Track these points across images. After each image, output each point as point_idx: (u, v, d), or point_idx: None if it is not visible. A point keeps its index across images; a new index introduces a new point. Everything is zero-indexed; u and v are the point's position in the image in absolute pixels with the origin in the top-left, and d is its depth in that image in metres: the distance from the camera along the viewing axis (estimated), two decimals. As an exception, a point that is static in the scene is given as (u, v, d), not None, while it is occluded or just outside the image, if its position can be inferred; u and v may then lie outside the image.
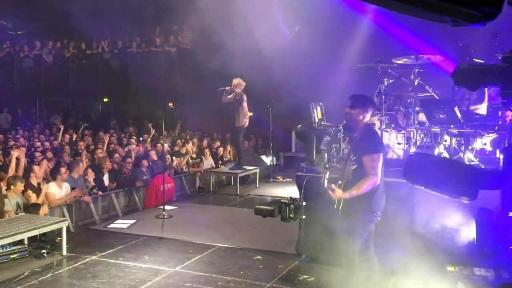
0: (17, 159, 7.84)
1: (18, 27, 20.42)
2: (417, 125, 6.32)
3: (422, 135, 6.41)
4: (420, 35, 9.41)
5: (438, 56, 6.56)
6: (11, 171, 7.62)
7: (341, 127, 8.89)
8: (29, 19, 18.98)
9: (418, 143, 6.33)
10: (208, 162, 12.23)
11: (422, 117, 6.72)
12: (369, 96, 4.61)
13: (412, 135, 6.30)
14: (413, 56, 6.36)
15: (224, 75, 11.88)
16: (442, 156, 5.74)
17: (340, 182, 4.42)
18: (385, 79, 6.66)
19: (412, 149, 6.20)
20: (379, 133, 6.19)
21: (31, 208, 7.06)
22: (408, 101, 6.54)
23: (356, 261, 4.34)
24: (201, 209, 9.61)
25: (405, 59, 6.48)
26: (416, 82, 6.44)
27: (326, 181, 4.55)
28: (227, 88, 10.32)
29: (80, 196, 8.06)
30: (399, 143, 6.36)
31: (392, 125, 6.42)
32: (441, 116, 6.26)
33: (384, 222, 5.20)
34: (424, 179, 3.11)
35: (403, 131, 6.38)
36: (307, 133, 6.68)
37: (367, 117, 4.42)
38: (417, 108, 6.41)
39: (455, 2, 1.56)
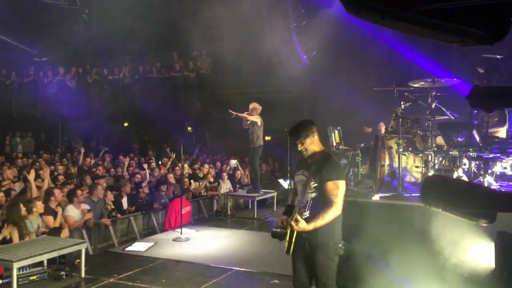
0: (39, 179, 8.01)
1: (43, 53, 21.06)
2: (435, 148, 6.27)
3: (440, 159, 6.36)
4: (437, 58, 9.41)
5: (455, 79, 6.54)
6: (34, 193, 7.79)
7: (359, 151, 8.91)
8: (53, 46, 19.59)
9: (436, 167, 6.28)
10: (226, 185, 12.27)
11: (440, 140, 6.67)
12: (303, 120, 4.15)
13: (430, 158, 6.24)
14: (430, 79, 6.35)
15: (242, 99, 12.03)
16: (461, 179, 5.67)
17: (296, 212, 3.87)
18: (402, 102, 6.65)
19: (431, 172, 6.13)
20: (396, 156, 6.16)
21: (53, 232, 7.17)
22: (426, 124, 6.51)
23: None
24: (218, 232, 9.60)
25: (422, 82, 6.47)
26: (433, 105, 6.41)
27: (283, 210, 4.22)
28: (241, 114, 10.39)
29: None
30: (417, 166, 6.30)
31: (410, 148, 6.38)
32: (459, 139, 6.21)
33: (402, 247, 5.14)
34: (441, 201, 3.09)
35: (420, 154, 6.33)
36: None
37: (316, 137, 4.05)
38: (435, 132, 6.37)
39: (463, 23, 1.59)
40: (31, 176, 8.06)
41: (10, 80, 19.10)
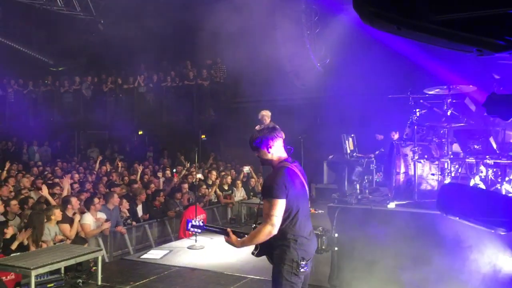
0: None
1: (59, 63, 21.42)
2: (451, 156, 6.22)
3: (456, 166, 6.30)
4: (452, 65, 9.36)
5: (471, 86, 6.50)
6: (52, 202, 7.92)
7: (373, 158, 8.87)
8: (70, 56, 19.91)
9: (452, 174, 6.22)
10: (240, 193, 12.29)
11: (456, 147, 6.62)
12: (258, 130, 3.89)
13: (446, 166, 6.19)
14: (445, 87, 6.31)
15: (255, 107, 12.05)
16: (478, 187, 5.62)
17: (254, 225, 3.81)
18: (417, 110, 6.61)
19: (447, 180, 6.08)
20: (412, 164, 6.13)
21: (78, 241, 7.28)
22: (441, 132, 6.47)
23: None
24: (233, 240, 9.59)
25: (437, 90, 6.44)
26: (449, 113, 6.37)
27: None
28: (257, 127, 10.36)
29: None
30: (433, 174, 6.25)
31: (425, 156, 6.34)
32: (475, 146, 6.15)
33: (418, 255, 5.11)
34: (458, 209, 3.06)
35: (436, 162, 6.29)
36: (338, 164, 6.67)
37: (273, 147, 3.72)
38: (451, 139, 6.32)
39: (479, 33, 1.60)
40: (45, 191, 8.19)
41: (27, 90, 19.42)
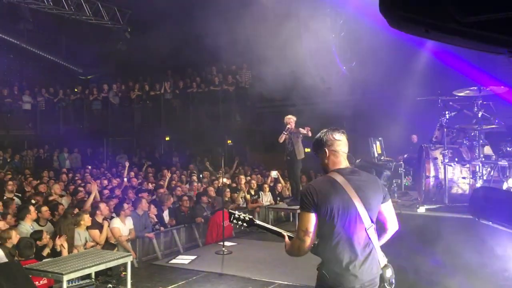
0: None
1: (88, 72, 21.87)
2: (483, 159, 6.08)
3: (488, 169, 6.15)
4: (482, 66, 9.16)
5: (502, 87, 6.35)
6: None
7: (401, 162, 8.75)
8: (98, 64, 20.31)
9: (484, 177, 6.07)
10: (267, 198, 12.28)
11: (488, 150, 6.46)
12: (318, 136, 3.36)
13: (477, 169, 6.05)
14: (475, 88, 6.18)
15: (281, 112, 12.05)
16: (511, 190, 5.47)
17: None
18: (447, 112, 6.50)
19: (479, 184, 5.95)
20: (442, 167, 6.01)
21: (107, 246, 7.41)
22: (472, 134, 6.33)
23: None
24: (260, 245, 9.59)
25: (467, 91, 6.31)
26: (479, 114, 6.24)
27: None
28: (285, 133, 10.30)
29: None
30: (464, 177, 6.12)
31: (456, 159, 6.21)
32: (508, 148, 6.00)
33: (450, 261, 5.00)
34: (491, 214, 2.99)
35: (467, 165, 6.15)
36: (366, 168, 6.58)
37: (330, 159, 3.24)
38: (482, 141, 6.18)
39: (510, 33, 1.56)
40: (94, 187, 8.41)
41: (58, 98, 19.89)
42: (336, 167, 3.20)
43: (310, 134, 9.44)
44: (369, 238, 3.08)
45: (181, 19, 15.39)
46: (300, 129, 10.00)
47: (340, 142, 3.24)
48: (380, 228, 3.25)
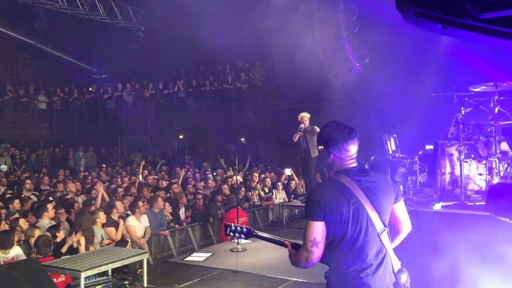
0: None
1: (102, 71, 22.07)
2: (499, 155, 6.01)
3: (505, 165, 6.08)
4: (498, 60, 9.05)
5: (519, 82, 6.26)
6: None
7: (416, 159, 8.68)
8: (112, 63, 20.49)
9: (501, 174, 6.01)
10: (281, 195, 12.29)
11: (504, 146, 6.38)
12: (325, 129, 3.03)
13: (494, 165, 5.99)
14: (491, 83, 6.11)
15: (294, 109, 12.04)
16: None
17: None
18: (462, 108, 6.43)
19: (495, 180, 5.89)
20: (458, 163, 5.96)
21: (120, 244, 7.49)
22: (488, 130, 6.26)
23: None
24: (274, 243, 9.60)
25: (483, 87, 6.24)
26: (496, 110, 6.16)
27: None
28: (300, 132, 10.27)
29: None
30: (480, 174, 6.06)
31: (472, 155, 6.15)
32: (525, 144, 5.92)
33: (466, 259, 4.96)
34: (509, 211, 2.97)
35: (484, 161, 6.09)
36: (380, 165, 6.56)
37: (336, 158, 2.99)
38: (499, 137, 6.11)
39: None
40: (99, 189, 8.51)
41: (73, 97, 20.10)
42: (343, 167, 2.97)
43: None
44: (382, 243, 2.89)
45: (193, 16, 15.43)
46: (315, 127, 10.01)
47: (347, 140, 2.95)
48: (393, 229, 3.07)
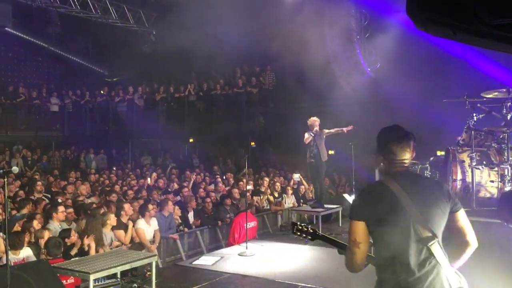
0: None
1: (113, 74, 22.25)
2: (512, 162, 5.96)
3: (517, 173, 6.02)
4: (510, 67, 8.97)
5: (532, 88, 6.20)
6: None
7: (427, 165, 8.62)
8: (123, 66, 20.63)
9: (513, 181, 5.95)
10: (290, 200, 12.26)
11: (517, 153, 6.32)
12: (380, 132, 3.05)
13: (506, 172, 5.93)
14: (504, 90, 6.06)
15: (305, 114, 12.03)
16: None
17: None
18: (474, 114, 6.39)
19: (507, 187, 5.83)
20: (469, 170, 5.90)
21: (136, 247, 7.53)
22: (501, 137, 6.21)
23: None
24: (283, 247, 9.58)
25: (496, 93, 6.20)
26: (508, 117, 6.11)
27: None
28: (312, 134, 10.27)
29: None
30: (492, 181, 6.00)
31: (484, 162, 6.10)
32: (538, 151, 5.86)
33: (476, 266, 4.90)
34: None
35: (496, 168, 6.03)
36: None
37: (386, 162, 2.97)
38: (511, 144, 6.05)
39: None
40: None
41: (84, 100, 20.27)
42: (392, 171, 2.90)
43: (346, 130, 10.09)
44: (431, 253, 2.71)
45: (203, 20, 15.50)
46: (336, 128, 10.20)
47: (396, 144, 2.89)
48: (461, 243, 2.89)
